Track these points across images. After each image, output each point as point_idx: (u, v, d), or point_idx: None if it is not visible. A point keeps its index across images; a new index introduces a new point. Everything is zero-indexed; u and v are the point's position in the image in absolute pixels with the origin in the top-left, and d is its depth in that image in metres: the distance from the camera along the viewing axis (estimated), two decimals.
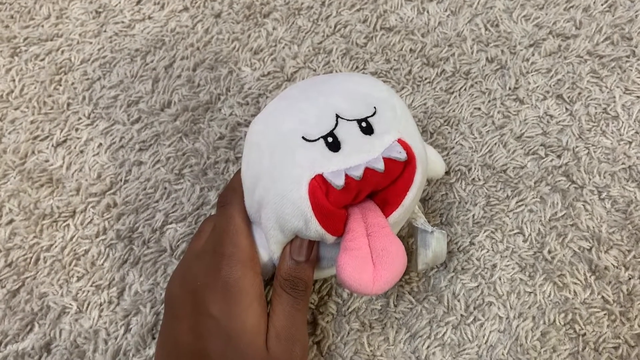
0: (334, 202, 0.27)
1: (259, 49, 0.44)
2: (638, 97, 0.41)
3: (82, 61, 0.44)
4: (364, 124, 0.28)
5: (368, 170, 0.27)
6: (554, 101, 0.41)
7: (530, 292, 0.34)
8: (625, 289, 0.34)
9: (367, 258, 0.27)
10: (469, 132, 0.41)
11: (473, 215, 0.37)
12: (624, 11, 0.45)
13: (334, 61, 0.44)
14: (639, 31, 0.44)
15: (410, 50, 0.44)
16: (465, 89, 0.42)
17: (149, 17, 0.45)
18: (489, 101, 0.42)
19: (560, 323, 0.33)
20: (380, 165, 0.27)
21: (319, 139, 0.27)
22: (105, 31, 0.45)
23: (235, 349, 0.28)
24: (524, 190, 0.38)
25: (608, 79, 0.42)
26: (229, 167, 0.40)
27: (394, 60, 0.44)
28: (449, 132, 0.41)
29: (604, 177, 0.38)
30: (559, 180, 0.38)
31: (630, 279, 0.35)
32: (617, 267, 0.35)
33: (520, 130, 0.40)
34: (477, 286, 0.35)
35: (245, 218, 0.30)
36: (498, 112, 0.41)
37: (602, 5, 0.45)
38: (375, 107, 0.29)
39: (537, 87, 0.42)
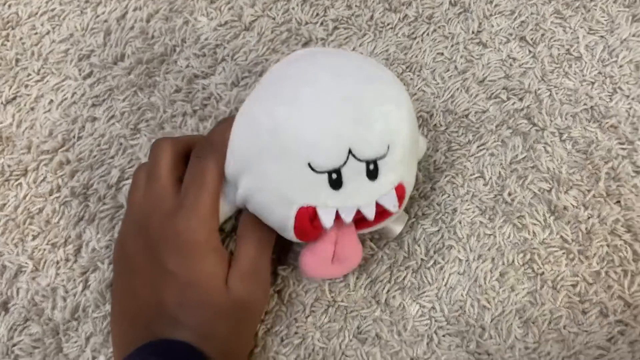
0: (317, 229, 0.28)
1: None
2: (602, 36, 0.41)
3: (30, 15, 0.42)
4: (371, 167, 0.27)
5: (358, 212, 0.28)
6: (517, 44, 0.41)
7: (490, 235, 0.34)
8: (584, 228, 0.34)
9: (328, 260, 0.29)
10: (431, 78, 0.40)
11: (434, 161, 0.37)
12: None
13: (293, 8, 0.42)
14: None
15: None
16: (427, 34, 0.41)
17: None
18: (452, 46, 0.41)
19: (518, 263, 0.34)
20: (370, 214, 0.28)
21: (324, 172, 0.27)
22: None
23: (192, 297, 0.28)
24: (485, 135, 0.38)
25: (572, 19, 0.41)
26: (186, 121, 0.39)
27: (355, 6, 0.42)
28: (411, 79, 0.40)
29: (566, 119, 0.38)
30: (520, 123, 0.38)
31: (589, 218, 0.35)
32: (576, 207, 0.35)
33: (483, 75, 0.40)
34: (438, 230, 0.35)
35: (217, 176, 0.29)
36: (461, 57, 0.40)
37: None
38: (388, 147, 0.28)
39: (501, 29, 0.41)
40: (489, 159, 0.37)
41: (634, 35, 0.41)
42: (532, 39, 0.41)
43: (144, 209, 0.30)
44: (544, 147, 0.37)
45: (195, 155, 0.31)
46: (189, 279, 0.28)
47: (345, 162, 0.27)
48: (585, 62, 0.40)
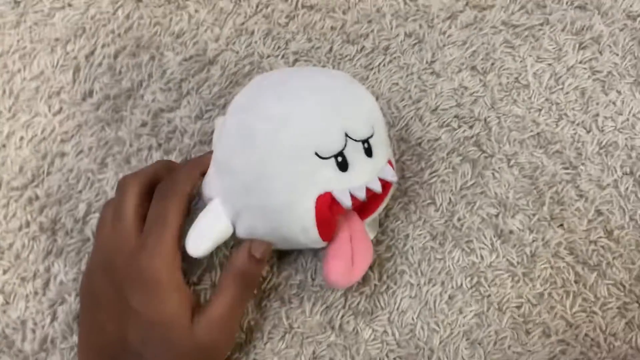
0: (335, 215, 0.30)
1: (181, 32, 0.44)
2: (549, 64, 0.43)
3: (2, 53, 0.43)
4: (366, 145, 0.31)
5: (367, 191, 0.30)
6: (468, 73, 0.43)
7: (440, 259, 0.36)
8: (529, 251, 0.36)
9: (349, 262, 0.31)
10: (387, 108, 0.42)
11: None
12: None
13: (255, 42, 0.44)
14: None
15: (331, 27, 0.45)
16: (384, 65, 0.43)
17: (69, 5, 0.45)
18: (407, 76, 0.43)
19: (466, 286, 0.35)
20: (378, 187, 0.31)
21: (330, 157, 0.29)
22: (24, 21, 0.44)
23: (155, 335, 0.29)
24: (437, 162, 0.39)
25: (521, 48, 0.43)
26: (152, 154, 0.40)
27: (315, 38, 0.44)
28: None
29: (513, 145, 0.40)
30: (470, 150, 0.40)
31: (533, 241, 0.37)
32: (521, 231, 0.37)
33: (436, 103, 0.42)
34: (391, 256, 0.37)
35: (179, 216, 0.31)
36: (415, 87, 0.42)
37: None
38: (373, 128, 0.31)
39: (453, 59, 0.43)
40: (440, 185, 0.39)
41: (580, 62, 0.43)
42: (482, 68, 0.43)
43: (110, 247, 0.31)
44: (492, 173, 0.39)
45: (158, 194, 0.32)
46: (152, 317, 0.29)
47: (345, 145, 0.30)
48: (533, 90, 0.42)
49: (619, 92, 0.41)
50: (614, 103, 0.41)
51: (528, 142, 0.40)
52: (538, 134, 0.40)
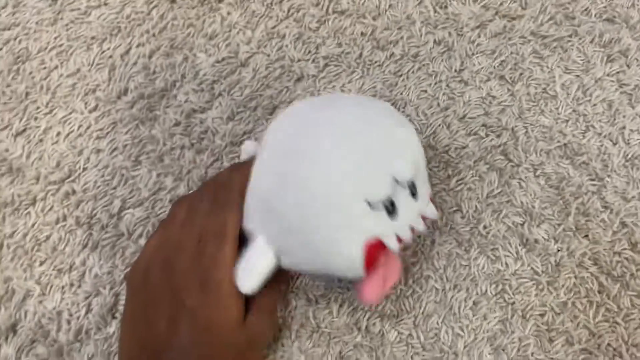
0: (381, 255, 0.30)
1: (214, 34, 0.45)
2: (577, 75, 0.43)
3: (40, 50, 0.45)
4: (412, 187, 0.31)
5: (412, 231, 0.31)
6: (496, 82, 0.43)
7: (465, 265, 0.37)
8: (553, 261, 0.37)
9: (382, 282, 0.31)
10: (415, 114, 0.43)
11: None
12: None
13: (286, 46, 0.45)
14: (581, 10, 0.45)
15: (362, 33, 0.45)
16: (413, 72, 0.44)
17: (105, 4, 0.46)
18: (435, 83, 0.44)
19: (491, 293, 0.36)
20: (423, 227, 0.31)
21: (379, 204, 0.29)
22: (61, 19, 0.45)
23: (210, 338, 0.30)
24: (464, 170, 0.40)
25: (549, 58, 0.44)
26: (184, 153, 0.41)
27: (345, 44, 0.45)
28: None
29: (540, 155, 0.40)
30: (497, 159, 0.40)
31: (558, 251, 0.37)
32: (547, 240, 0.37)
33: (464, 112, 0.42)
34: (417, 261, 0.37)
35: (237, 226, 0.31)
36: (443, 94, 0.43)
37: None
38: (417, 167, 0.31)
39: (482, 68, 0.44)
40: (467, 193, 0.39)
41: (607, 75, 0.43)
42: (511, 77, 0.43)
43: (175, 245, 0.31)
44: (519, 182, 0.39)
45: (216, 202, 0.32)
46: (209, 321, 0.30)
47: (393, 190, 0.30)
48: (561, 101, 0.42)
49: None
50: None
51: (555, 152, 0.41)
52: (565, 144, 0.41)
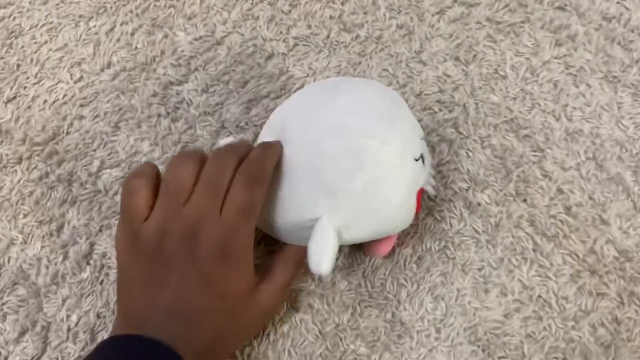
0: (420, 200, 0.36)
1: (193, 15, 0.49)
2: (527, 58, 0.47)
3: (31, 26, 0.48)
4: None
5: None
6: (452, 63, 0.47)
7: (414, 225, 0.40)
8: (493, 222, 0.40)
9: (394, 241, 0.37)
10: None
11: None
12: None
13: (260, 26, 0.48)
14: None
15: (330, 17, 0.49)
16: (375, 52, 0.47)
17: None
18: (396, 63, 0.47)
19: (435, 249, 0.39)
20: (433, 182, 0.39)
21: (419, 158, 0.35)
22: None
23: (223, 306, 0.31)
24: None
25: (502, 42, 0.47)
26: (160, 121, 0.45)
27: (315, 26, 0.48)
28: None
29: (488, 129, 0.44)
30: (448, 132, 0.44)
31: (498, 213, 0.40)
32: (488, 204, 0.41)
33: (420, 89, 0.46)
34: None
35: (263, 201, 0.32)
36: (402, 73, 0.47)
37: None
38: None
39: (439, 50, 0.47)
40: None
41: (555, 58, 0.47)
42: (465, 59, 0.47)
43: (200, 213, 0.31)
44: (467, 152, 0.43)
45: (246, 174, 0.32)
46: (224, 290, 0.31)
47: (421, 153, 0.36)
48: (510, 81, 0.46)
49: (588, 86, 0.45)
50: (583, 95, 0.45)
51: (501, 126, 0.44)
52: (511, 119, 0.44)
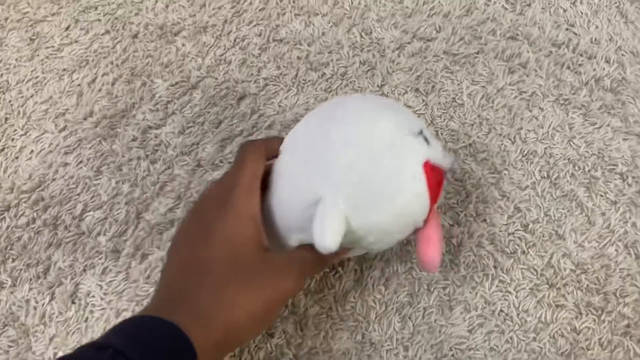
0: (437, 180, 0.34)
1: (169, 62, 0.52)
2: (483, 86, 0.50)
3: (18, 82, 0.52)
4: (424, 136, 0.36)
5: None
6: (412, 94, 0.50)
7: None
8: (456, 242, 0.42)
9: (439, 242, 0.35)
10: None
11: None
12: (478, 14, 0.53)
13: (232, 70, 0.52)
14: (488, 31, 0.52)
15: (297, 57, 0.52)
16: (341, 88, 0.51)
17: (76, 41, 0.53)
18: None
19: (401, 271, 0.41)
20: (457, 166, 0.39)
21: (418, 135, 0.34)
22: (38, 55, 0.53)
23: (229, 254, 0.32)
24: None
25: (459, 73, 0.50)
26: (140, 163, 0.47)
27: (283, 67, 0.52)
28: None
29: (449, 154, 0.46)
30: None
31: (460, 233, 0.43)
32: (451, 225, 0.43)
33: None
34: None
35: (256, 162, 0.35)
36: None
37: (460, 10, 0.53)
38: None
39: (400, 83, 0.50)
40: None
41: (509, 84, 0.50)
42: (424, 89, 0.50)
43: (227, 184, 0.35)
44: None
45: (239, 148, 0.37)
46: (227, 237, 0.33)
47: (422, 129, 0.35)
48: (467, 108, 0.49)
49: (541, 109, 0.48)
50: (536, 118, 0.48)
51: (460, 151, 0.47)
52: (469, 144, 0.47)
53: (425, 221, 0.35)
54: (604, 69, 0.49)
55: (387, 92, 0.50)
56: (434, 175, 0.34)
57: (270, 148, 0.37)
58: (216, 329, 0.30)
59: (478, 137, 0.47)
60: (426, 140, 0.35)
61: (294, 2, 0.55)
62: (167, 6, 0.56)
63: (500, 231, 0.43)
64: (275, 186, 0.36)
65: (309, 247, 0.33)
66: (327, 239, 0.31)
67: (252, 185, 0.34)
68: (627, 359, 0.38)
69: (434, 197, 0.34)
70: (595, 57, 0.50)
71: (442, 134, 0.48)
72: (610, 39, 0.51)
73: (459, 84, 0.50)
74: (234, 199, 0.33)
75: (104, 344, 0.28)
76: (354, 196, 0.32)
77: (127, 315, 0.41)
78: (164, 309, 0.30)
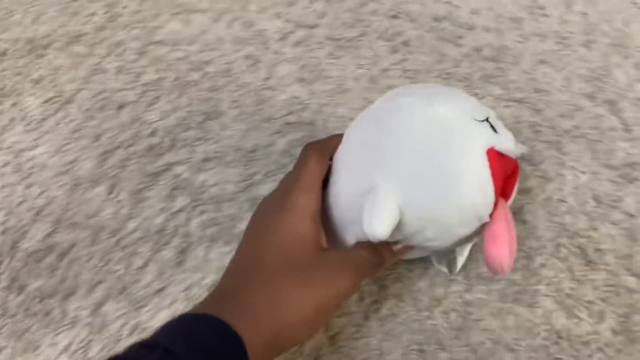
0: (503, 171, 0.32)
1: (41, 78, 0.49)
2: (368, 69, 0.49)
3: None
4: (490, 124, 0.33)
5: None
6: (298, 85, 0.49)
7: None
8: None
9: (508, 239, 0.31)
10: (229, 122, 0.47)
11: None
12: None
13: (109, 79, 0.49)
14: (370, 12, 0.52)
15: (177, 59, 0.50)
16: (225, 85, 0.49)
17: None
18: (246, 92, 0.49)
19: None
20: (526, 150, 0.35)
21: (484, 120, 0.32)
22: None
23: (288, 254, 0.32)
24: (270, 164, 0.45)
25: (343, 58, 0.50)
26: (14, 189, 0.44)
27: (163, 70, 0.50)
28: (210, 126, 0.47)
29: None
30: (299, 150, 0.45)
31: None
32: None
33: (270, 114, 0.47)
34: None
35: (319, 163, 0.35)
36: (252, 101, 0.48)
37: None
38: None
39: (285, 74, 0.49)
40: (274, 185, 0.44)
41: (393, 64, 0.49)
42: (309, 78, 0.49)
43: (286, 183, 0.35)
44: None
45: (303, 149, 0.37)
46: (285, 237, 0.32)
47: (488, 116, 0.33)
48: (354, 92, 0.48)
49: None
50: None
51: None
52: None
53: (492, 216, 0.32)
54: (484, 38, 0.49)
55: (273, 85, 0.48)
56: (501, 163, 0.31)
57: (332, 146, 0.36)
58: (266, 327, 0.30)
59: None
60: (492, 127, 0.32)
61: (172, 1, 0.53)
62: (37, 18, 0.52)
63: None
64: (333, 180, 0.35)
65: (366, 246, 0.33)
66: (376, 225, 0.30)
67: (313, 184, 0.34)
68: (517, 324, 0.39)
69: (499, 186, 0.31)
70: (475, 28, 0.50)
71: (328, 121, 0.47)
72: (489, 8, 0.51)
73: (343, 69, 0.49)
74: (292, 198, 0.33)
75: (153, 342, 0.28)
76: (409, 184, 0.31)
77: (7, 353, 0.39)
78: (217, 307, 0.30)
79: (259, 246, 0.33)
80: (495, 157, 0.31)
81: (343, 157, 0.35)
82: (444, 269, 0.39)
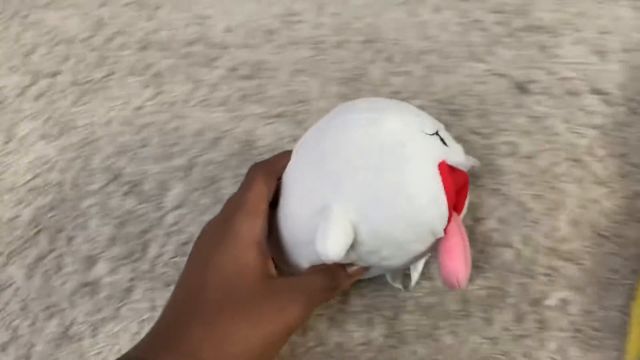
0: (455, 184, 0.31)
1: None
2: (120, 110, 0.45)
3: None
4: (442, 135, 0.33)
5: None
6: (44, 143, 0.44)
7: None
8: None
9: (463, 252, 0.30)
10: None
11: None
12: (107, 30, 0.48)
13: None
14: (117, 47, 0.48)
15: None
16: None
17: None
18: None
19: None
20: (476, 163, 0.34)
21: (434, 134, 0.31)
22: None
23: (232, 285, 0.30)
24: (14, 241, 0.40)
25: (93, 101, 0.46)
26: None
27: None
28: None
29: (94, 196, 0.42)
30: (49, 219, 0.41)
31: None
32: None
33: (12, 182, 0.42)
34: None
35: (264, 185, 0.32)
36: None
37: (84, 32, 0.48)
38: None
39: (28, 133, 0.44)
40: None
41: (148, 100, 0.46)
42: (54, 133, 0.44)
43: (229, 209, 0.33)
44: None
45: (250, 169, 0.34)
46: (225, 269, 0.30)
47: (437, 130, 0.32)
48: (104, 139, 0.44)
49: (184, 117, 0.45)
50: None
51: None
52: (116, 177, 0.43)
53: (446, 230, 0.31)
54: (239, 56, 0.48)
55: (16, 148, 0.43)
56: (452, 177, 0.31)
57: (280, 166, 0.34)
58: None
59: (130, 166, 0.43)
60: (442, 141, 0.32)
61: None
62: None
63: None
64: (283, 201, 0.33)
65: (320, 269, 0.31)
66: (329, 245, 0.28)
67: (258, 208, 0.32)
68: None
69: (452, 200, 0.31)
70: (229, 47, 0.48)
71: (80, 176, 0.43)
72: (242, 23, 0.49)
73: (92, 116, 0.45)
74: (235, 224, 0.31)
75: None
76: (362, 202, 0.30)
77: None
78: (151, 349, 0.28)
79: (201, 278, 0.30)
80: (447, 171, 0.31)
81: (292, 177, 0.33)
82: (399, 286, 0.37)
